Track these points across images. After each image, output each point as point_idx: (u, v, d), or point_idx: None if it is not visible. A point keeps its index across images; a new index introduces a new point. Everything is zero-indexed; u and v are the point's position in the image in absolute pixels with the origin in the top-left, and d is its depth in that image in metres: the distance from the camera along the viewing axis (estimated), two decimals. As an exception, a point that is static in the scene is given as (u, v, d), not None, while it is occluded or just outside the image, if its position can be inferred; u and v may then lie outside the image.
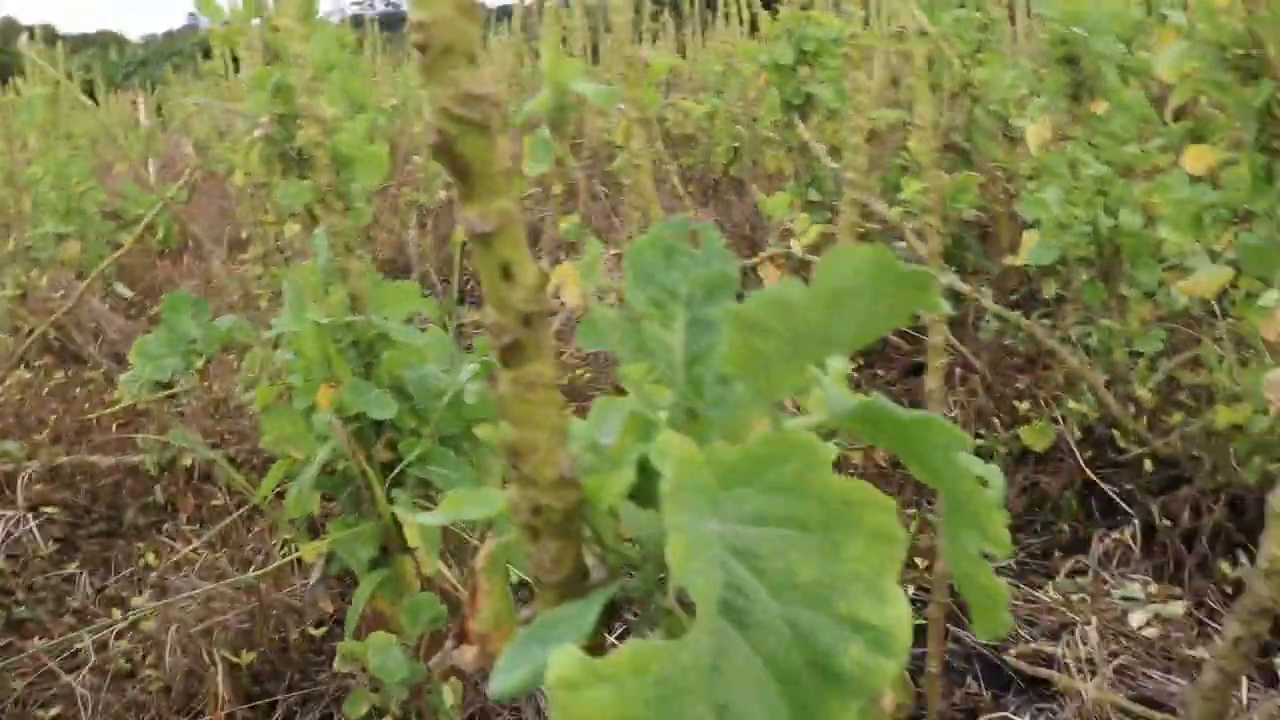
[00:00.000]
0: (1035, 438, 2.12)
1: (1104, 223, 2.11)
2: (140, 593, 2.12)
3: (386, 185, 5.05)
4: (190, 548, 2.21)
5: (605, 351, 0.56)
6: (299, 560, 1.88)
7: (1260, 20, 1.35)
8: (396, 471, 1.57)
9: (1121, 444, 2.02)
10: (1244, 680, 1.52)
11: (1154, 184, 1.79)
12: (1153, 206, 2.04)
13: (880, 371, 2.80)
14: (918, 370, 2.84)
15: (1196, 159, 1.47)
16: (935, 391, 1.33)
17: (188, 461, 2.55)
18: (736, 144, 4.46)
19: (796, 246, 2.52)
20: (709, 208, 4.09)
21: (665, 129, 6.59)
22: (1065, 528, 2.04)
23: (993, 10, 3.35)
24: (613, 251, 2.06)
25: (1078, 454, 2.07)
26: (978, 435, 2.34)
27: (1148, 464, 1.96)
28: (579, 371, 3.13)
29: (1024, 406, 2.26)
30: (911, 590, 1.83)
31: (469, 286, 4.41)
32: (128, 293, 4.47)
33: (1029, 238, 2.24)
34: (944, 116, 2.89)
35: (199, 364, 2.22)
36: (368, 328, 1.60)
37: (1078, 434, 2.10)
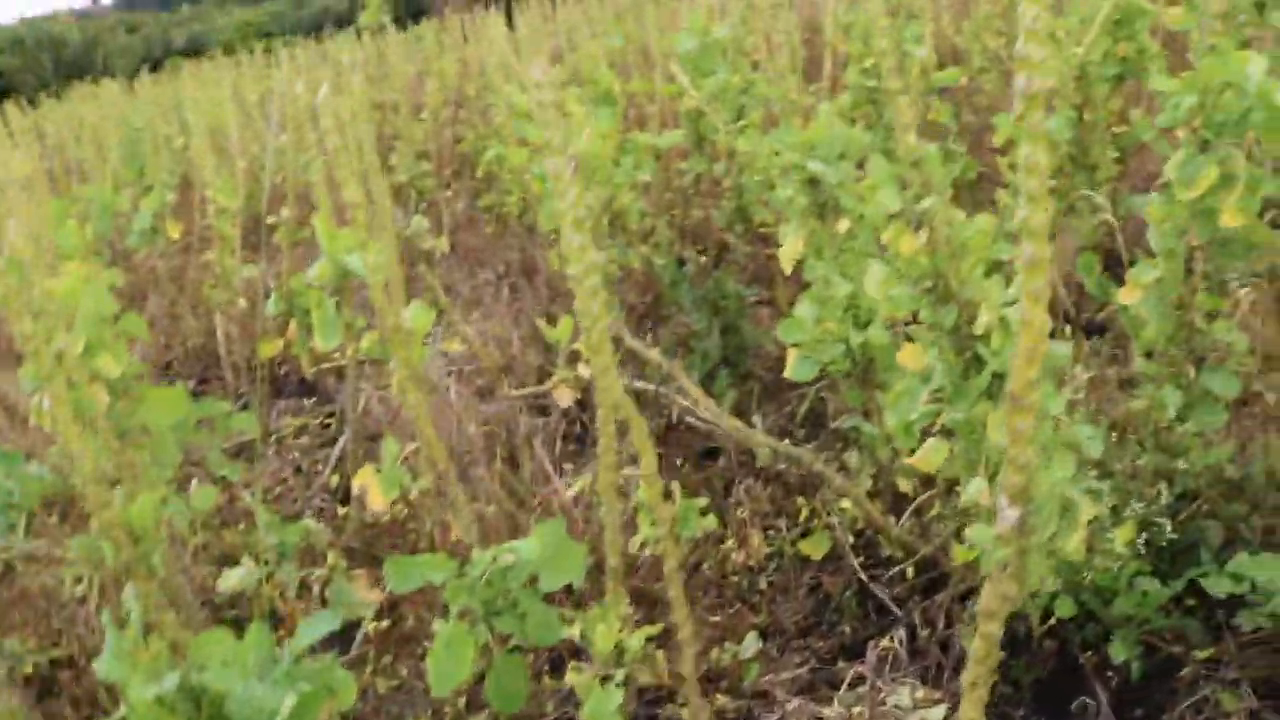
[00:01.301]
0: (813, 548, 2.33)
1: (855, 338, 2.31)
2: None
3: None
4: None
5: None
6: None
7: (942, 257, 1.54)
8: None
9: (886, 551, 2.25)
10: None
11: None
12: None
13: (677, 460, 2.97)
14: (711, 453, 3.02)
15: (909, 359, 1.66)
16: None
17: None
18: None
19: (584, 370, 2.64)
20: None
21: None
22: (848, 629, 2.26)
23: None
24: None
25: (852, 557, 2.29)
26: (767, 535, 2.54)
27: (910, 569, 2.20)
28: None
29: (804, 512, 2.48)
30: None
31: (284, 372, 4.36)
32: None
33: (792, 353, 2.42)
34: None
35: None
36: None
37: (851, 538, 2.32)
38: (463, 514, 1.94)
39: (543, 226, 3.00)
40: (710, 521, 1.73)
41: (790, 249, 2.47)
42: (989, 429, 1.54)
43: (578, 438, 3.30)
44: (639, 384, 2.60)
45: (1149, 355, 2.13)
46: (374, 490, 2.04)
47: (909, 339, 1.69)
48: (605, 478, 1.56)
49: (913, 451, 1.71)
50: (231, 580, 2.56)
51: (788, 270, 2.44)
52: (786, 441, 2.38)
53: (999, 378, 1.55)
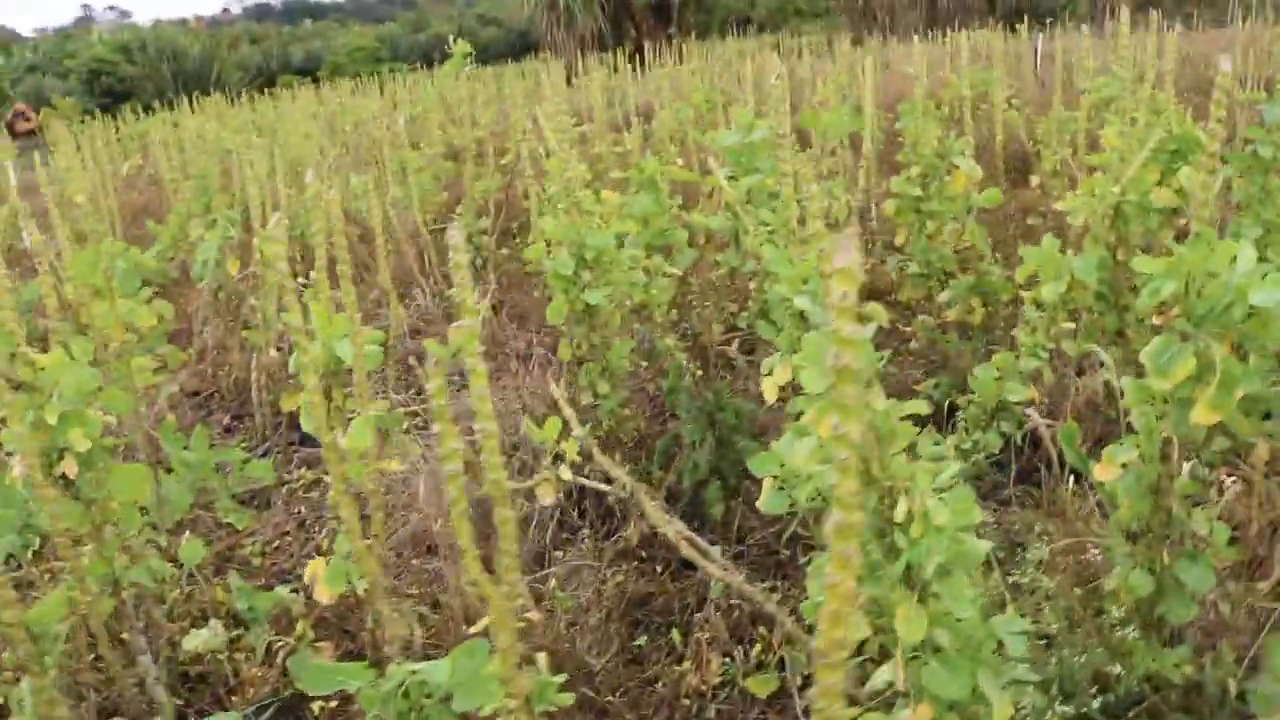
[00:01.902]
0: (760, 687, 2.28)
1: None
2: None
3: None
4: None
5: None
6: None
7: (865, 445, 1.51)
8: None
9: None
10: None
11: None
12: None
13: (657, 567, 2.94)
14: (688, 565, 2.98)
15: (1102, 473, 1.64)
16: None
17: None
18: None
19: (565, 472, 2.63)
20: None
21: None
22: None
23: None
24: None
25: (798, 701, 2.23)
26: (725, 660, 2.50)
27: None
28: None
29: (756, 649, 2.43)
30: None
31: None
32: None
33: (767, 484, 2.38)
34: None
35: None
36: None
37: (800, 680, 2.27)
38: (389, 625, 1.94)
39: (550, 319, 3.00)
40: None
41: (775, 379, 2.44)
42: (897, 622, 1.50)
43: (572, 526, 3.29)
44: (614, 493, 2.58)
45: (1126, 535, 2.06)
46: (320, 584, 2.06)
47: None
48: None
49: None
50: (195, 641, 2.60)
51: (770, 399, 2.42)
52: (756, 561, 2.33)
53: (913, 568, 1.51)
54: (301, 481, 3.89)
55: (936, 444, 2.84)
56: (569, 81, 17.02)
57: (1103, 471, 2.04)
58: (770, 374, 2.40)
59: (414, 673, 1.69)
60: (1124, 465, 2.02)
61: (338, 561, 2.07)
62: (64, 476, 2.05)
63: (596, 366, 3.12)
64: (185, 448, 2.95)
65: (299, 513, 3.67)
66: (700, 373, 3.08)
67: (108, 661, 2.11)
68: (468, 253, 5.12)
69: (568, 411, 2.37)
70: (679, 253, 4.01)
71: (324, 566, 2.10)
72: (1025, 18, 20.30)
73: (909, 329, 4.18)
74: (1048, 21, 19.23)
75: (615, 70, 18.42)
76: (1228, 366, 1.76)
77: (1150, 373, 1.79)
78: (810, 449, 1.55)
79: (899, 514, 1.50)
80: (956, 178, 3.80)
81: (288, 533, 3.55)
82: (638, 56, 18.02)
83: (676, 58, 17.83)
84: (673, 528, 2.34)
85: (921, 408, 1.52)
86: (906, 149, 3.91)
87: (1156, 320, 1.80)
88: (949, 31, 16.37)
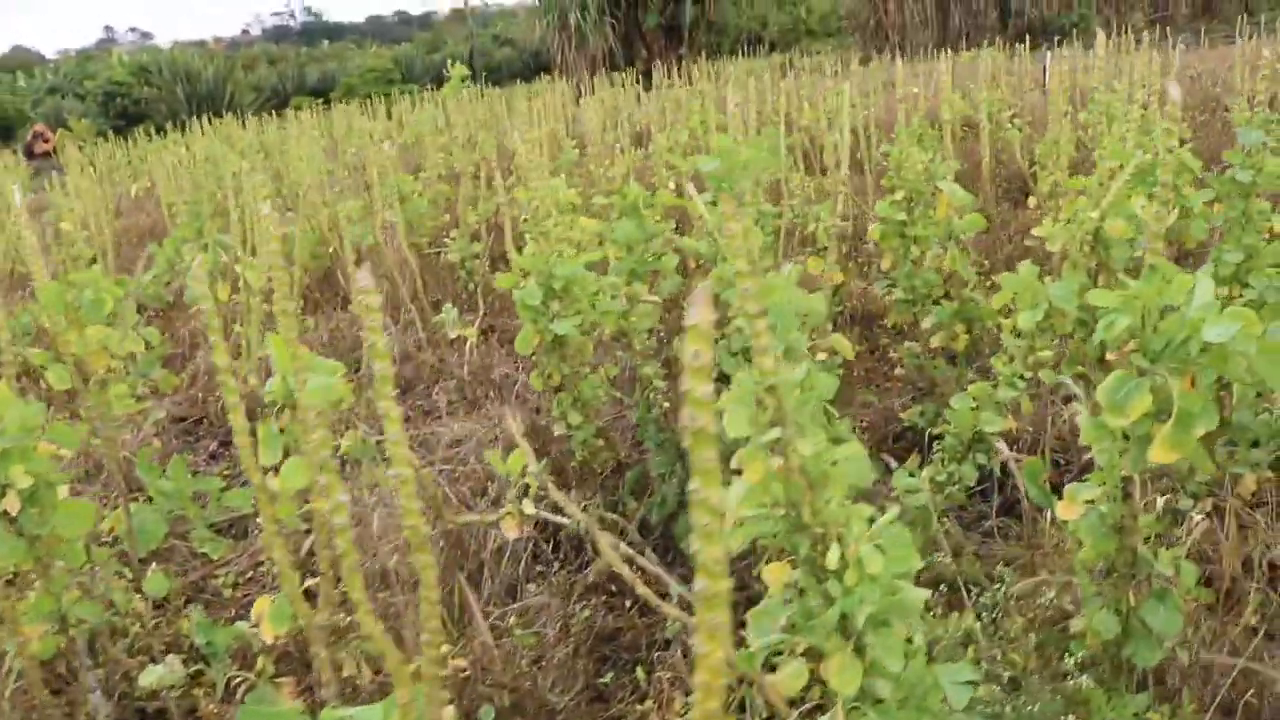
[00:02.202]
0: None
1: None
2: None
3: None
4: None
5: None
6: None
7: (795, 487, 1.46)
8: None
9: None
10: None
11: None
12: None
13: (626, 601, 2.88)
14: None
15: (772, 576, 1.57)
16: None
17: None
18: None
19: (528, 506, 2.58)
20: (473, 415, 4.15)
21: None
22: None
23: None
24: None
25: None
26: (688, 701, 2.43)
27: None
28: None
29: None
30: None
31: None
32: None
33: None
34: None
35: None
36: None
37: (762, 722, 2.21)
38: (322, 668, 1.89)
39: (519, 349, 2.96)
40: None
41: (733, 420, 2.40)
42: (829, 673, 1.44)
43: (546, 559, 3.23)
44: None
45: (1091, 575, 2.00)
46: (265, 622, 2.02)
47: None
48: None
49: (773, 669, 1.61)
50: (151, 678, 2.56)
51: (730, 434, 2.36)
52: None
53: (847, 617, 1.45)
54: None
55: (912, 475, 2.78)
56: (578, 102, 17.07)
57: (1065, 510, 1.98)
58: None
59: (349, 718, 1.65)
60: (1089, 502, 1.97)
61: (282, 600, 2.03)
62: (5, 513, 2.02)
63: (568, 397, 3.07)
64: (163, 475, 2.93)
65: (276, 542, 3.62)
66: (667, 404, 3.02)
67: (42, 703, 2.07)
68: (459, 277, 5.02)
69: (524, 446, 2.33)
70: (664, 279, 3.97)
71: (269, 605, 2.06)
72: (1034, 36, 20.27)
73: (896, 354, 4.12)
74: (1056, 40, 19.15)
75: (625, 89, 18.48)
76: (1185, 403, 1.70)
77: (1105, 409, 1.73)
78: (740, 494, 1.50)
79: (831, 561, 1.44)
80: (940, 202, 3.75)
81: (262, 563, 3.51)
82: (646, 77, 18.04)
83: (685, 78, 17.86)
84: (624, 568, 2.29)
85: (856, 452, 1.46)
86: (891, 173, 3.86)
87: (1110, 356, 1.74)
88: (960, 50, 16.33)
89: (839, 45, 27.66)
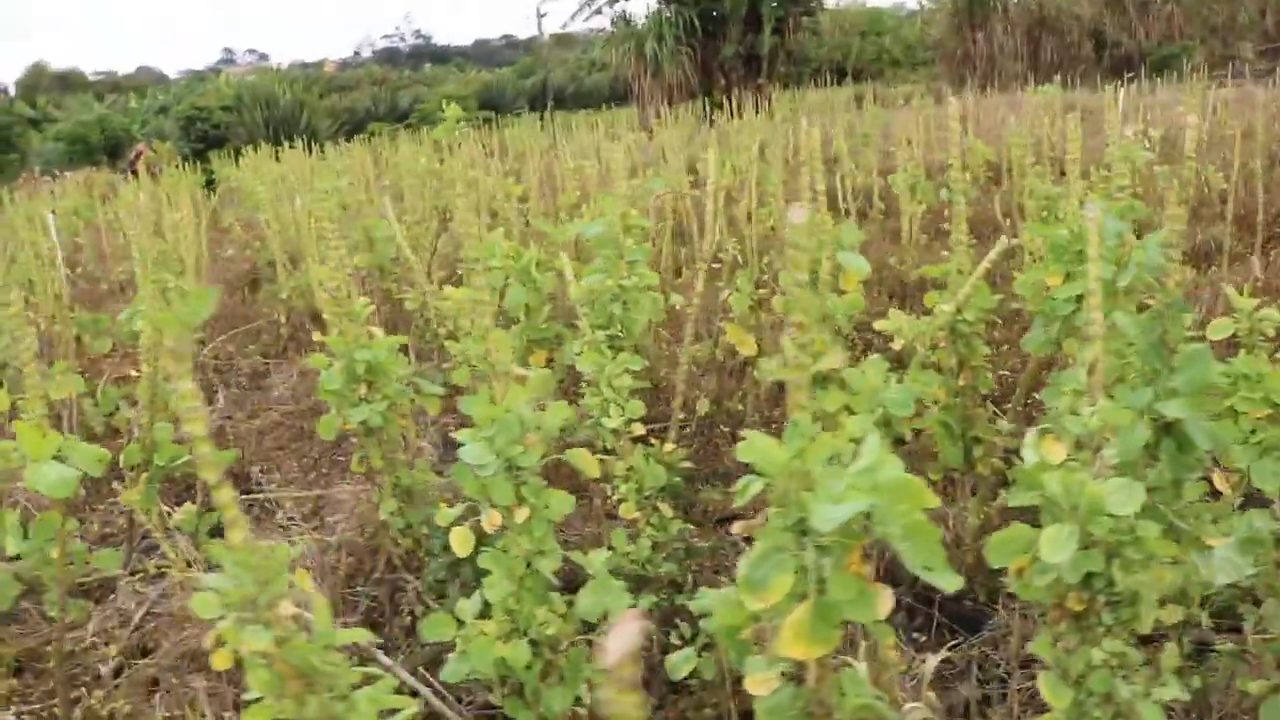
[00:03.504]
0: None
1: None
2: None
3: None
4: None
5: None
6: None
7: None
8: None
9: None
10: None
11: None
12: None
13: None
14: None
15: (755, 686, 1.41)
16: None
17: None
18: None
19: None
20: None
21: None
22: None
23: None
24: None
25: None
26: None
27: None
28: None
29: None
30: None
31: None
32: None
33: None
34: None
35: None
36: None
37: None
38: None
39: (321, 435, 2.81)
40: None
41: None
42: None
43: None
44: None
45: None
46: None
47: None
48: None
49: None
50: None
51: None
52: None
53: None
54: (155, 568, 3.75)
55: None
56: (649, 132, 16.93)
57: (753, 685, 1.72)
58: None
59: None
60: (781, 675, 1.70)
61: None
62: None
63: (390, 483, 2.90)
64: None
65: (139, 604, 3.52)
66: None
67: None
68: (416, 325, 4.77)
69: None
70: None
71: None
72: (1131, 68, 19.39)
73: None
74: (1154, 73, 18.29)
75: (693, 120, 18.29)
76: (838, 587, 1.43)
77: (741, 589, 1.47)
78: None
79: None
80: (847, 276, 3.46)
81: (130, 620, 3.40)
82: (719, 107, 17.85)
83: (765, 108, 17.58)
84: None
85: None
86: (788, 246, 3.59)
87: (737, 529, 1.49)
88: (1048, 82, 15.69)
89: (925, 76, 27.00)
